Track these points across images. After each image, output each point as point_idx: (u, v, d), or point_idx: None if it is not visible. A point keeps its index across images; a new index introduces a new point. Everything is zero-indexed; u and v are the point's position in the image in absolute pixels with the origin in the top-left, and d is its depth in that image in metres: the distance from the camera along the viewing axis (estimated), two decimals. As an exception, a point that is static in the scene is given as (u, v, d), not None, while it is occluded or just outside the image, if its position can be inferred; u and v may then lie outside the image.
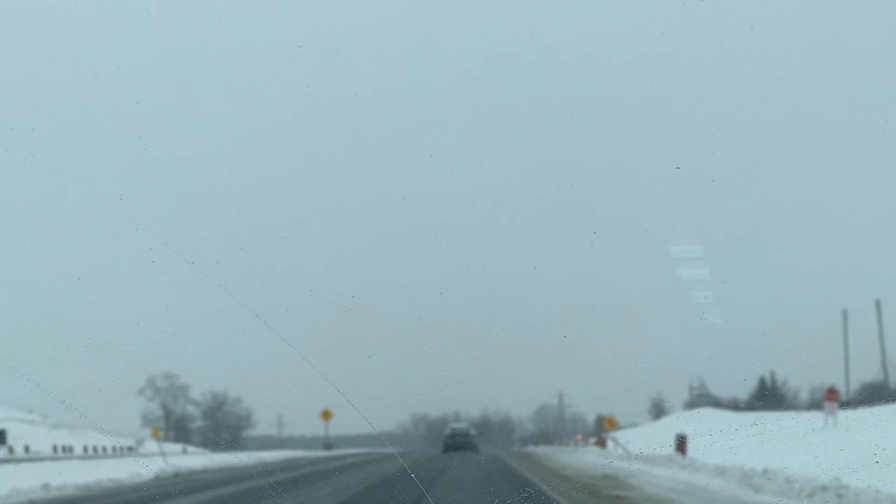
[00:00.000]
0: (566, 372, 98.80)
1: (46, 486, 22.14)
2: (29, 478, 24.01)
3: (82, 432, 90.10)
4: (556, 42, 76.79)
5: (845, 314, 76.08)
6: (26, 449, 72.33)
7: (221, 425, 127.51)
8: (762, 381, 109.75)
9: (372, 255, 72.30)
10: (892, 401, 55.93)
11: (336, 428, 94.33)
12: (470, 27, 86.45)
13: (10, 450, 70.45)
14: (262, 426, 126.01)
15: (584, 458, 36.34)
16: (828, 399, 45.74)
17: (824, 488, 16.48)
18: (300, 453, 46.75)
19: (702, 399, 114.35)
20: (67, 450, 71.27)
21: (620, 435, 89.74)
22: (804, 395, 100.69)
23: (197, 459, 36.18)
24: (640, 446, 45.13)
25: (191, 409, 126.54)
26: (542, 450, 63.30)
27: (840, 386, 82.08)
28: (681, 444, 29.56)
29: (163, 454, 38.57)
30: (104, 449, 71.86)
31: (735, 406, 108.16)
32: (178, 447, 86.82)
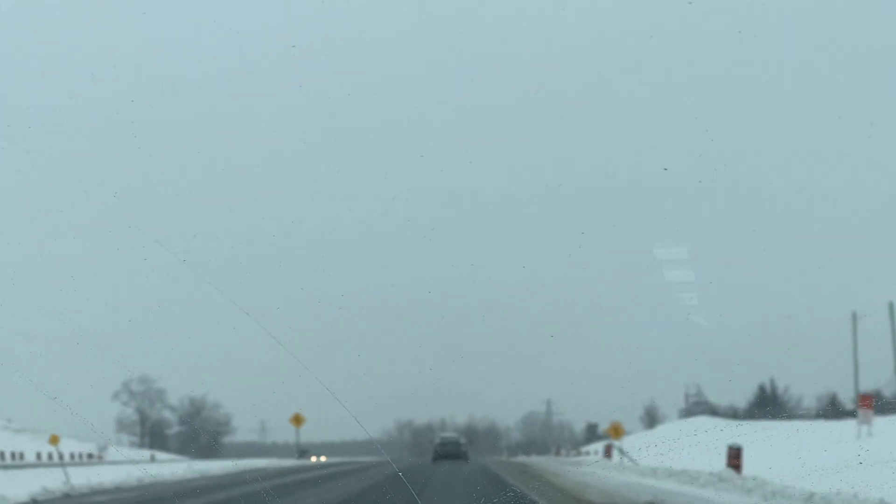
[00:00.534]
0: (554, 378, 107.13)
1: None
2: None
3: (43, 439, 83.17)
4: (546, 43, 76.70)
5: (854, 317, 73.22)
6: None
7: (199, 431, 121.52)
8: (761, 389, 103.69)
9: (362, 254, 74.12)
10: None
11: (319, 434, 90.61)
12: (461, 28, 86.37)
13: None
14: (244, 432, 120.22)
15: (602, 475, 29.25)
16: (862, 406, 41.12)
17: None
18: (259, 463, 39.19)
19: (698, 407, 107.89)
20: (18, 456, 64.02)
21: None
22: (809, 403, 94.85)
23: (123, 473, 29.51)
24: (644, 457, 38.43)
25: (167, 415, 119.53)
26: (537, 461, 56.80)
27: (848, 393, 76.57)
28: (734, 458, 22.51)
29: (63, 466, 31.74)
30: (60, 456, 64.57)
31: (733, 414, 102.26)
32: (147, 453, 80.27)
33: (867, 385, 70.72)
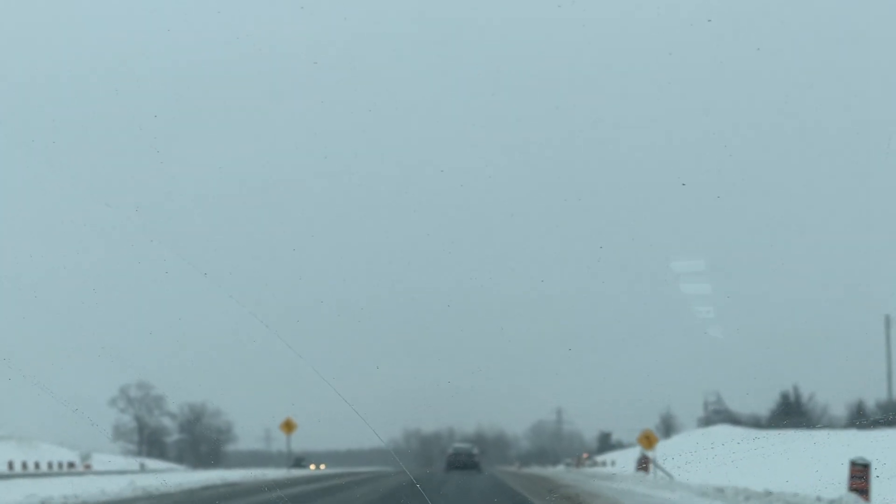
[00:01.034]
0: (565, 386, 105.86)
1: None
2: None
3: (30, 446, 77.24)
4: (565, 59, 72.78)
5: (888, 321, 68.83)
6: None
7: (199, 439, 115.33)
8: (784, 397, 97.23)
9: (381, 267, 73.42)
10: None
11: (325, 442, 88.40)
12: (480, 44, 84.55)
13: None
14: (249, 440, 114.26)
15: (660, 496, 22.80)
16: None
17: None
18: (232, 476, 32.50)
19: (718, 415, 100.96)
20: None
21: (624, 456, 77.58)
22: (837, 412, 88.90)
23: (52, 486, 23.84)
24: (677, 471, 32.22)
25: (166, 422, 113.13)
26: (555, 473, 50.52)
27: (881, 400, 71.19)
28: (859, 477, 16.02)
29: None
30: (36, 465, 58.28)
31: (756, 423, 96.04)
32: (137, 462, 74.02)
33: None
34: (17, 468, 55.18)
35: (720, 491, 22.77)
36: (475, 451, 59.08)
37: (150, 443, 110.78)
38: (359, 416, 8.61)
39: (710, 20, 57.17)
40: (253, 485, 27.94)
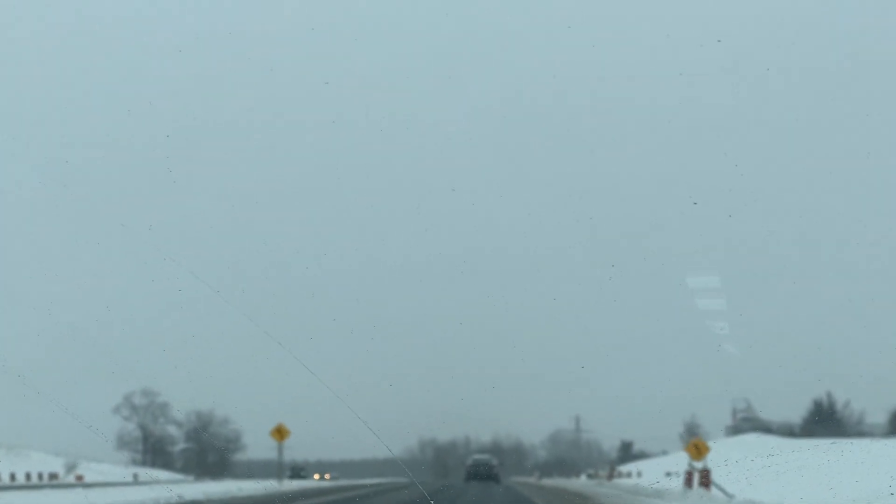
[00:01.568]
0: (583, 395, 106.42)
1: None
2: None
3: (19, 455, 71.81)
4: (577, 79, 74.19)
5: None
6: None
7: (207, 448, 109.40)
8: (817, 404, 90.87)
9: (394, 286, 75.32)
10: None
11: (339, 452, 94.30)
12: (493, 65, 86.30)
13: None
14: (259, 449, 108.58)
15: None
16: None
17: None
18: (194, 492, 26.51)
19: (747, 423, 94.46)
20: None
21: (648, 466, 71.43)
22: (877, 419, 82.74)
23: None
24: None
25: (172, 430, 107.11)
26: (582, 486, 44.63)
27: None
28: None
29: None
30: (12, 477, 52.37)
31: (789, 432, 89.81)
32: (131, 472, 68.29)
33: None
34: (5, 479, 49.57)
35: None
36: (494, 462, 59.30)
37: (154, 452, 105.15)
38: (370, 431, 8.75)
39: (719, 41, 59.43)
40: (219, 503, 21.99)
